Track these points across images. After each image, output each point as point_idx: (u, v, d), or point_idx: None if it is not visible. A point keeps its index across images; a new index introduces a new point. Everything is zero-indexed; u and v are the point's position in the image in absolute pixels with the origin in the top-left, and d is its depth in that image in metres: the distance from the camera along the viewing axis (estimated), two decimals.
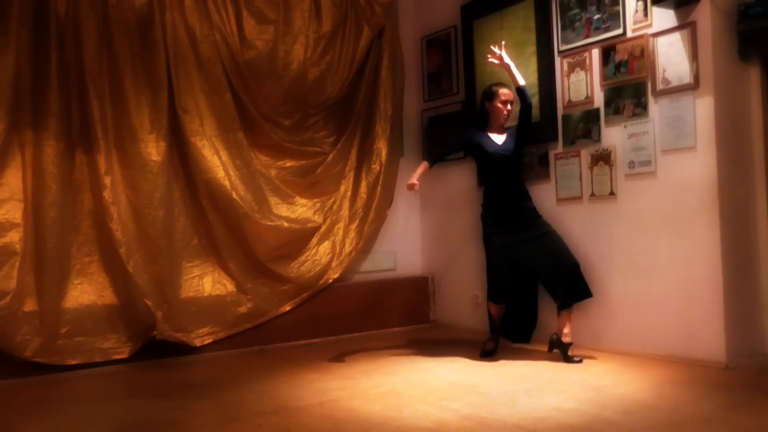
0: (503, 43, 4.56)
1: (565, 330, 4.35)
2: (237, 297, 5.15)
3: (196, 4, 5.07)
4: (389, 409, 3.40)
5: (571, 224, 4.78)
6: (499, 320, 4.67)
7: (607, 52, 4.53)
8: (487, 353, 4.56)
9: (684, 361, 4.09)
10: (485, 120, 4.61)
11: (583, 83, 4.70)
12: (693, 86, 4.06)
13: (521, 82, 4.44)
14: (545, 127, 4.90)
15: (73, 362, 4.52)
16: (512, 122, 4.64)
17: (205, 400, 3.74)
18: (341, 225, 5.64)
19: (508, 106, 4.53)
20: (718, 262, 3.98)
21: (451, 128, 5.82)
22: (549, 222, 4.55)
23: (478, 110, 4.70)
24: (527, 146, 4.75)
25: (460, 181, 5.72)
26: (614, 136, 4.51)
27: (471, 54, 5.59)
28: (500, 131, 4.59)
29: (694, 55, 4.05)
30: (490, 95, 4.56)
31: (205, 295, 5.07)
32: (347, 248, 5.64)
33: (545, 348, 4.44)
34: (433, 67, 6.04)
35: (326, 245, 5.55)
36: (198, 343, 4.95)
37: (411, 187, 4.44)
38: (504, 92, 4.53)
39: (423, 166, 4.54)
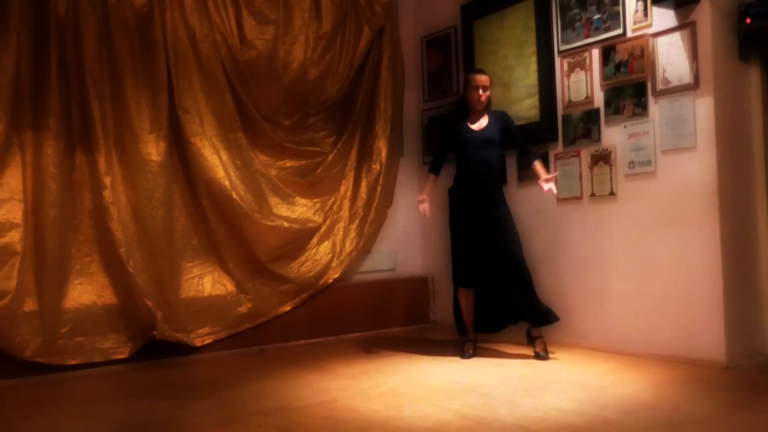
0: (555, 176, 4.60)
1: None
2: (237, 297, 5.15)
3: (196, 4, 5.07)
4: (389, 409, 3.40)
5: (571, 224, 4.78)
6: (469, 314, 4.62)
7: (607, 52, 4.53)
8: (470, 356, 4.53)
9: (684, 361, 4.09)
10: (465, 108, 4.62)
11: (583, 83, 4.70)
12: (693, 86, 4.07)
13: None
14: (545, 127, 4.90)
15: (73, 362, 4.52)
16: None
17: (205, 400, 3.73)
18: (341, 225, 5.65)
19: (480, 92, 4.50)
20: (718, 262, 3.98)
21: None
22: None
23: (460, 99, 4.72)
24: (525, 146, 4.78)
25: None
26: (614, 136, 4.51)
27: (471, 54, 5.58)
28: (479, 117, 4.58)
29: (694, 55, 4.05)
30: (466, 82, 4.62)
31: (205, 295, 5.07)
32: (347, 248, 5.64)
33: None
34: (433, 67, 6.04)
35: (326, 245, 5.55)
36: (198, 343, 4.95)
37: (422, 207, 4.71)
38: (476, 78, 4.55)
39: (431, 179, 4.79)
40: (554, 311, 4.46)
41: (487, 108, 4.60)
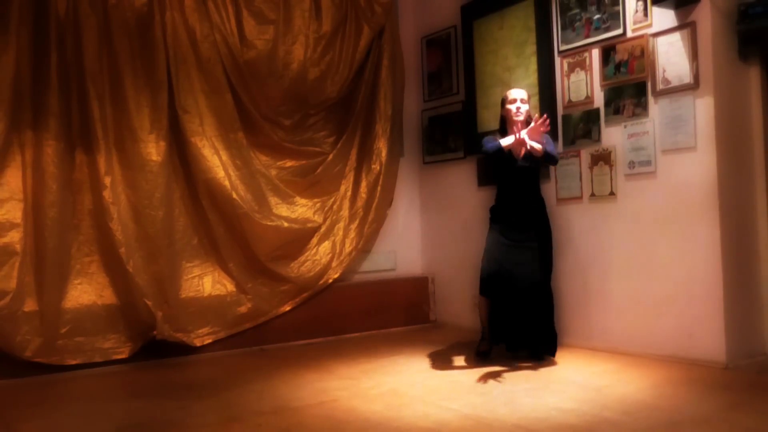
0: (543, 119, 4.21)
1: None
2: (237, 297, 5.15)
3: (196, 4, 5.08)
4: (389, 409, 3.40)
5: (571, 224, 4.78)
6: (485, 318, 4.50)
7: (607, 52, 4.53)
8: (482, 354, 4.47)
9: (684, 361, 4.09)
10: (504, 128, 4.43)
11: (583, 83, 4.70)
12: (693, 86, 4.07)
13: (542, 148, 4.15)
14: None
15: (73, 362, 4.52)
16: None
17: (205, 400, 3.74)
18: (341, 225, 5.64)
19: (518, 103, 4.33)
20: (718, 262, 3.98)
21: (451, 128, 5.82)
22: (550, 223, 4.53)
23: (501, 120, 4.52)
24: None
25: (460, 181, 5.72)
26: (614, 136, 4.51)
27: (471, 54, 5.59)
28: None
29: (694, 55, 4.05)
30: (502, 101, 4.45)
31: (205, 295, 5.07)
32: (347, 248, 5.64)
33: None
34: (433, 67, 6.04)
35: (326, 245, 5.55)
36: (198, 343, 4.95)
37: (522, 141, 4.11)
38: (511, 92, 4.40)
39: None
40: (553, 343, 4.38)
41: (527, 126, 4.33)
